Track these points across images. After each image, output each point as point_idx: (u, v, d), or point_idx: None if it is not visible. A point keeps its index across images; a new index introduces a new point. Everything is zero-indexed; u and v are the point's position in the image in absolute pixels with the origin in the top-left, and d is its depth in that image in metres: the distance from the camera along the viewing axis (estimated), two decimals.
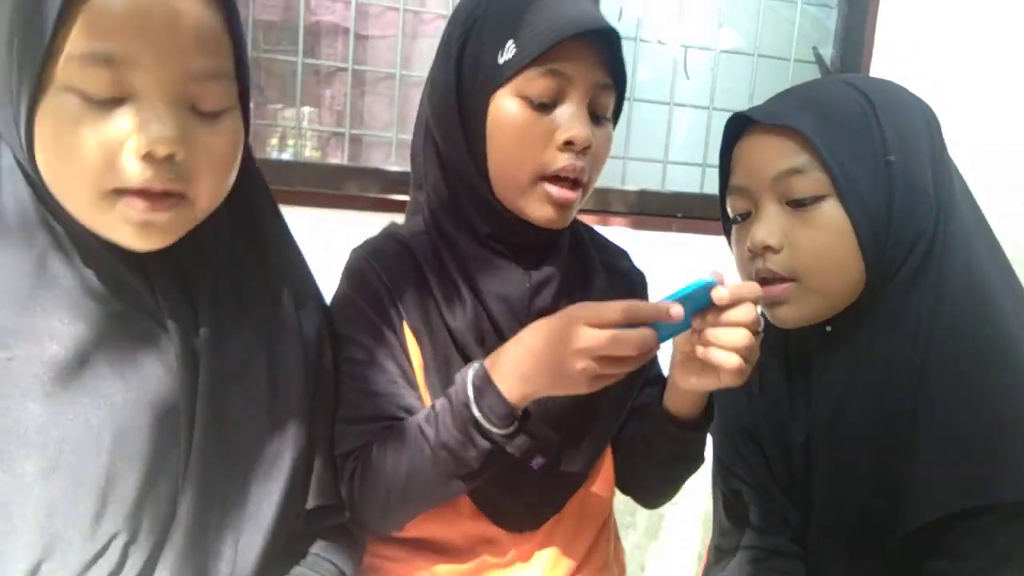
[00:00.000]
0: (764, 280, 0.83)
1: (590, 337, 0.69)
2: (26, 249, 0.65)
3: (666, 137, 2.12)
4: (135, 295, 0.68)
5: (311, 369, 0.80)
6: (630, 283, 0.99)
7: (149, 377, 0.67)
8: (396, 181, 1.82)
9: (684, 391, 0.81)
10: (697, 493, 2.11)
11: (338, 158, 1.97)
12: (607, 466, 0.96)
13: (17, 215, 0.65)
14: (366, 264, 0.87)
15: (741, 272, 0.89)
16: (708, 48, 2.11)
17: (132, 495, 0.65)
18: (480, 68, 0.81)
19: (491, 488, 0.84)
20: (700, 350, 0.72)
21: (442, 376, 0.85)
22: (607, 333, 0.69)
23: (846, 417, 0.83)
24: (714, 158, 2.08)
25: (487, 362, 0.77)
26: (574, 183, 0.82)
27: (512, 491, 0.86)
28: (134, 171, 0.61)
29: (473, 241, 0.87)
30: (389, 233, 0.92)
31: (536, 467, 0.86)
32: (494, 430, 0.75)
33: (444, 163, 0.87)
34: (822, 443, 0.85)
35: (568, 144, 0.80)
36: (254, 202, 0.80)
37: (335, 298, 0.89)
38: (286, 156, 1.98)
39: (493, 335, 0.85)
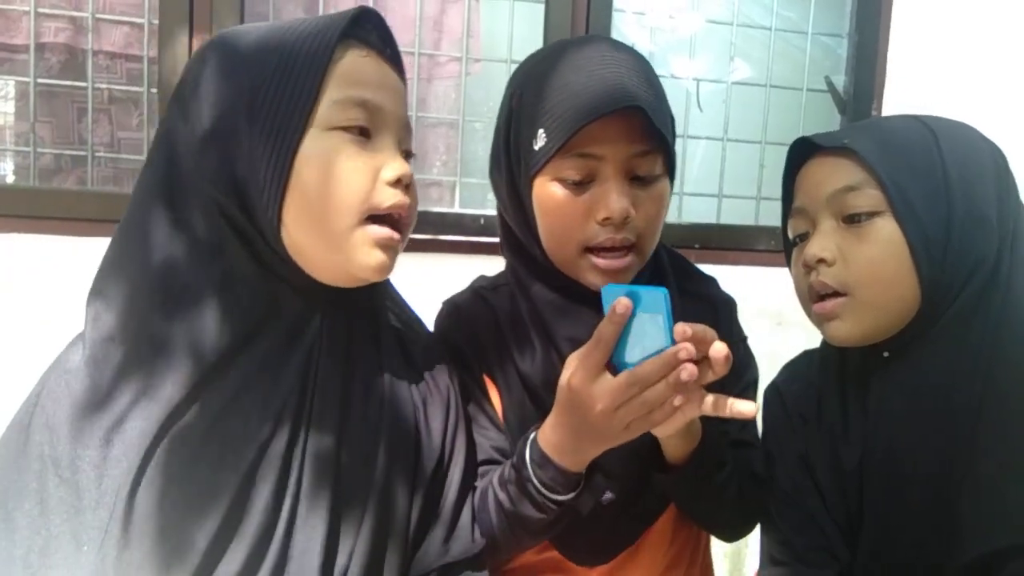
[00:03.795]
0: (818, 295, 0.84)
1: (602, 395, 0.71)
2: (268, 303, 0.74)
3: (681, 169, 2.13)
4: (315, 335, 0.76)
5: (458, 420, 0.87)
6: (712, 309, 0.98)
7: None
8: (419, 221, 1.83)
9: (665, 438, 0.81)
10: None
11: None
12: None
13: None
14: (447, 319, 0.96)
15: (798, 292, 0.89)
16: (720, 80, 2.13)
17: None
18: (521, 155, 0.85)
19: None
20: (679, 402, 0.71)
21: (518, 419, 0.90)
22: (616, 384, 0.70)
23: (902, 445, 0.81)
24: (729, 189, 2.12)
25: (540, 439, 0.80)
26: (624, 249, 0.85)
27: (583, 526, 0.87)
28: (388, 195, 0.74)
29: (546, 288, 0.90)
30: (472, 287, 1.00)
31: (606, 502, 0.88)
32: (561, 497, 0.79)
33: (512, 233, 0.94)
34: (876, 471, 0.84)
35: (606, 219, 0.82)
36: None
37: None
38: None
39: None
